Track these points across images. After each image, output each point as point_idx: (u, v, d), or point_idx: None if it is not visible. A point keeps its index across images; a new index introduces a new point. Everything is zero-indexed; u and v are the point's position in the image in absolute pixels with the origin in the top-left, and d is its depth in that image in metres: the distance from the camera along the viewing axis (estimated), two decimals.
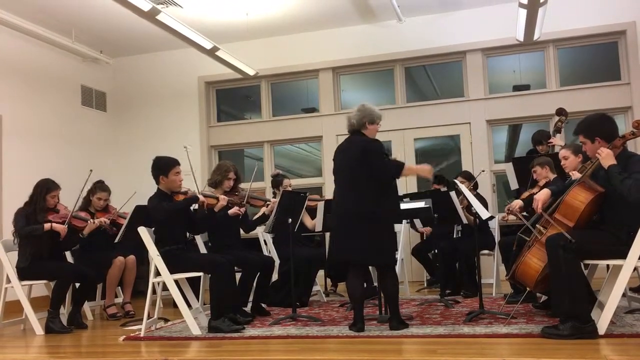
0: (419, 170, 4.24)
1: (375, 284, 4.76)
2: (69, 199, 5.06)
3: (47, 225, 4.68)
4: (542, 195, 3.79)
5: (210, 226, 4.86)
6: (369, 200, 3.91)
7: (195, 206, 4.74)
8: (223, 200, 4.73)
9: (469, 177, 5.93)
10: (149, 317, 4.26)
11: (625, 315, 4.01)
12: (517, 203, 4.71)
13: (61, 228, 4.73)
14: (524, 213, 4.76)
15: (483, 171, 5.89)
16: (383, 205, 3.94)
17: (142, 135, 8.30)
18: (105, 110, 8.35)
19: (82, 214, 5.17)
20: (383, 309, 4.38)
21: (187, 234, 4.71)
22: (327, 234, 6.61)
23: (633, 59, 6.96)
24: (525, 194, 4.95)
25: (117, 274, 5.44)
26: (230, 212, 4.80)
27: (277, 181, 5.71)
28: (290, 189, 5.61)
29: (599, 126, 3.59)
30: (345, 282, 4.17)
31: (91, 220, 5.12)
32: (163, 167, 4.45)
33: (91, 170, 5.01)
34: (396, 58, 7.71)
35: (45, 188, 4.84)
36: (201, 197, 4.50)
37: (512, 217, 5.01)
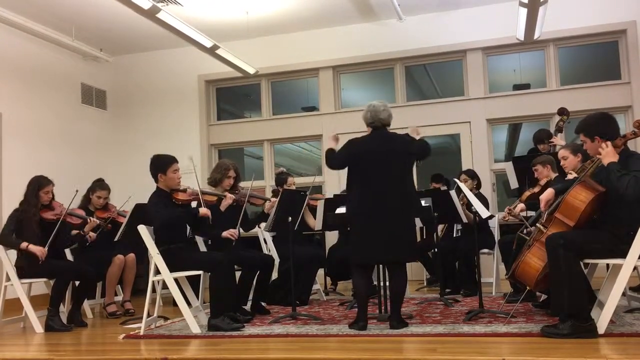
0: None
1: (375, 282, 4.75)
2: (68, 197, 5.05)
3: (23, 245, 4.63)
4: (546, 195, 3.80)
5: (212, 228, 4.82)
6: (415, 197, 4.16)
7: (194, 204, 4.74)
8: (229, 199, 4.72)
9: (472, 176, 5.93)
10: (148, 315, 4.26)
11: (625, 315, 4.01)
12: (520, 207, 4.71)
13: (38, 249, 4.62)
14: (524, 214, 4.76)
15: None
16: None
17: (142, 134, 8.29)
18: (105, 109, 8.35)
19: (77, 211, 5.17)
20: (383, 307, 4.38)
21: (188, 232, 4.71)
22: (327, 233, 6.63)
23: (633, 59, 6.95)
24: (527, 194, 4.95)
25: (116, 272, 5.44)
26: (224, 234, 4.63)
27: (280, 179, 5.70)
28: (294, 187, 5.61)
29: (599, 125, 3.59)
30: (353, 280, 4.17)
31: (90, 218, 5.13)
32: (161, 164, 4.46)
33: (77, 190, 4.97)
34: (396, 57, 7.70)
35: (37, 184, 4.83)
36: (202, 211, 4.43)
37: (512, 218, 5.01)
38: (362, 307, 3.99)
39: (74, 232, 5.15)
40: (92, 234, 5.27)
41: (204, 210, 4.45)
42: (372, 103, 4.13)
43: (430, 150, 4.16)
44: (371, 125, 4.11)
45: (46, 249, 4.66)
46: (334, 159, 4.18)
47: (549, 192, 3.83)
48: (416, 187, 7.24)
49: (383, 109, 4.08)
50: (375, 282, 4.70)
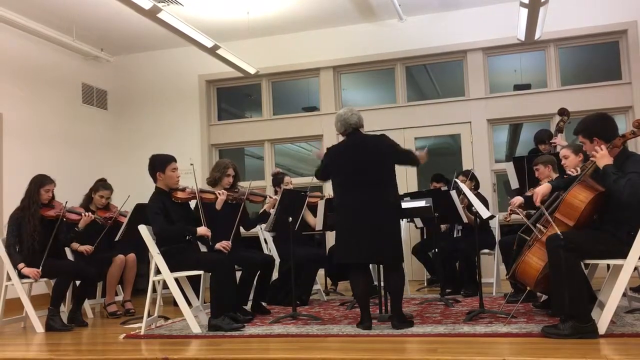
0: (421, 158, 4.30)
1: (376, 282, 4.76)
2: (67, 196, 5.06)
3: (19, 266, 4.65)
4: (542, 189, 3.81)
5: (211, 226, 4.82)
6: (395, 195, 4.11)
7: (193, 203, 4.74)
8: (223, 195, 4.72)
9: (470, 176, 5.93)
10: (149, 315, 4.26)
11: (626, 315, 4.01)
12: (518, 200, 4.71)
13: (31, 272, 4.63)
14: (527, 211, 4.76)
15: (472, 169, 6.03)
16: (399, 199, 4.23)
17: (142, 134, 8.30)
18: (106, 109, 8.35)
19: (77, 209, 5.19)
20: (383, 307, 4.38)
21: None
22: (328, 233, 6.63)
23: (634, 59, 6.95)
24: (528, 194, 4.94)
25: (117, 272, 5.44)
26: (217, 245, 4.52)
27: (277, 179, 5.72)
28: (291, 186, 5.62)
29: (597, 126, 3.59)
30: (350, 281, 4.17)
31: (85, 213, 5.12)
32: (160, 163, 4.49)
33: (66, 202, 4.97)
34: (397, 57, 7.70)
35: (39, 182, 4.87)
36: (200, 231, 4.38)
37: (515, 216, 5.01)
38: (363, 307, 4.00)
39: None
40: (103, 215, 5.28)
41: (202, 230, 4.40)
42: (339, 113, 4.23)
43: (415, 162, 4.20)
44: (345, 133, 4.17)
45: (40, 269, 4.66)
46: (319, 172, 4.31)
47: (545, 187, 3.84)
48: (417, 187, 7.34)
49: (351, 114, 4.14)
50: (375, 283, 4.70)
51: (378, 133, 4.23)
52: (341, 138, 4.31)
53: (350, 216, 3.98)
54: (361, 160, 4.02)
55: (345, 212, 4.03)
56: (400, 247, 4.03)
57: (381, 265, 4.20)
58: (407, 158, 4.23)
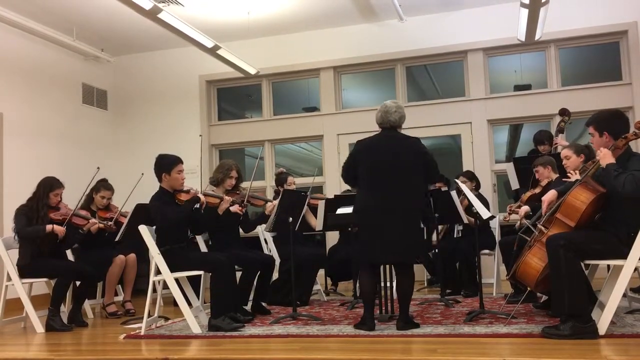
0: None
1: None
2: (68, 196, 5.06)
3: (49, 227, 4.67)
4: (549, 196, 3.80)
5: (211, 226, 4.85)
6: (421, 197, 4.10)
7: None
8: (226, 202, 4.73)
9: (470, 177, 5.93)
10: (149, 315, 4.26)
11: (626, 316, 4.01)
12: (524, 209, 4.71)
13: (61, 230, 4.69)
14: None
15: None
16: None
17: (143, 134, 8.30)
18: (106, 109, 8.35)
19: (83, 213, 5.19)
20: (383, 308, 4.38)
21: (188, 232, 4.72)
22: (328, 233, 6.63)
23: (635, 59, 6.95)
24: (527, 194, 4.95)
25: (117, 272, 5.44)
26: (232, 208, 4.79)
27: (281, 179, 5.72)
28: (294, 187, 5.62)
29: (610, 121, 3.60)
30: (359, 280, 4.16)
31: (92, 219, 5.15)
32: (166, 164, 4.48)
33: (98, 168, 5.02)
34: (397, 57, 7.70)
35: (49, 185, 4.87)
36: (202, 197, 4.50)
37: (514, 216, 5.01)
38: (369, 307, 3.98)
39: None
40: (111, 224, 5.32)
41: (203, 198, 4.52)
42: (385, 103, 4.09)
43: (437, 176, 4.23)
44: (381, 126, 4.09)
45: (64, 227, 4.74)
46: (345, 172, 4.17)
47: (552, 194, 3.82)
48: None
49: (395, 110, 4.02)
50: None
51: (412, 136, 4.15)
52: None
53: (378, 216, 3.92)
54: (393, 160, 3.95)
55: (373, 212, 3.95)
56: (423, 249, 4.03)
57: (390, 266, 4.21)
58: (434, 173, 4.12)
